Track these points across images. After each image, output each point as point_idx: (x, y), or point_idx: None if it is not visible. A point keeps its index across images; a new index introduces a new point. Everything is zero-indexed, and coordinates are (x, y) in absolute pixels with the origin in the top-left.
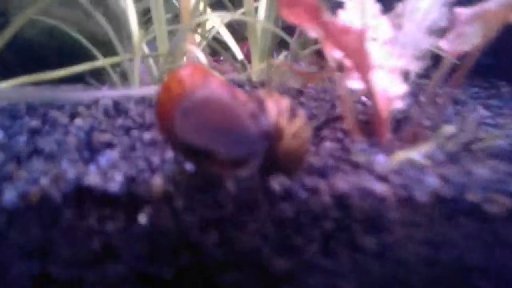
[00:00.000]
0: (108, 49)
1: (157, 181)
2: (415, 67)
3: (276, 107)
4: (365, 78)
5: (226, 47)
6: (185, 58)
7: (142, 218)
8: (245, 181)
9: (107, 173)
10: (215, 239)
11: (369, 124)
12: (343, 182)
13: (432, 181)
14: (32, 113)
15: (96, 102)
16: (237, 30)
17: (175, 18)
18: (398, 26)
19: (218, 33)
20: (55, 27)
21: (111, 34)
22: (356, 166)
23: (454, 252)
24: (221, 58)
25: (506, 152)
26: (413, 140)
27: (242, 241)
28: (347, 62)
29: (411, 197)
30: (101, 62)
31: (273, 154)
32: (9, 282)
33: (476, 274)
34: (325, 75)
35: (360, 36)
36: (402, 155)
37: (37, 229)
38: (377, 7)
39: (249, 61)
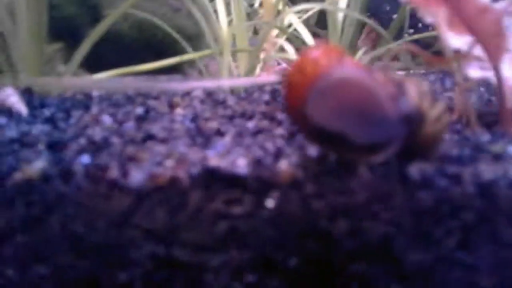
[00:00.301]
0: (195, 43)
1: (284, 165)
2: None
3: (417, 90)
4: (495, 64)
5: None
6: (262, 55)
7: (270, 203)
8: (381, 167)
9: (228, 157)
10: (345, 228)
11: (484, 116)
12: (487, 171)
13: None
14: (132, 102)
15: (188, 93)
16: (312, 25)
17: (248, 13)
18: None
19: (295, 30)
20: (145, 20)
21: (202, 27)
22: (495, 155)
23: None
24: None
25: None
26: None
27: (375, 231)
28: (475, 48)
29: None
30: (191, 55)
31: (413, 139)
32: (131, 262)
33: None
34: (449, 61)
35: (499, 16)
36: None
37: (164, 211)
38: None
39: None
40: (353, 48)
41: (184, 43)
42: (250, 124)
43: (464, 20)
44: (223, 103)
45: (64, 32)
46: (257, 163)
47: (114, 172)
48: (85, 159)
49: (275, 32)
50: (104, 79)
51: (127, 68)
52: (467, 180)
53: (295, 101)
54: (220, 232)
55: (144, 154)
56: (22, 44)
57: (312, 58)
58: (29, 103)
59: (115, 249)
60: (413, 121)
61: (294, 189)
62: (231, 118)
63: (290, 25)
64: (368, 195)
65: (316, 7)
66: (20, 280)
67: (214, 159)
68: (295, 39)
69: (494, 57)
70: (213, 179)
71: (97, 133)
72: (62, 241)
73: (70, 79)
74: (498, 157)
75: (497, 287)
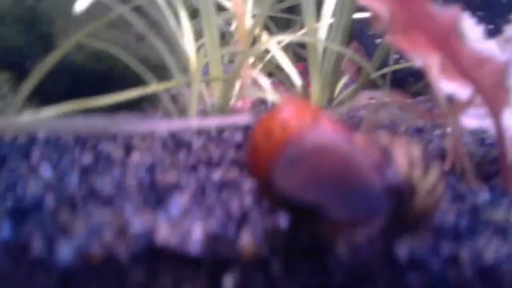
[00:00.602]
0: (161, 74)
1: (246, 240)
2: None
3: (406, 156)
4: (496, 116)
5: (281, 70)
6: (238, 84)
7: (227, 284)
8: (363, 245)
9: (181, 226)
10: None
11: (480, 168)
12: (489, 249)
13: None
14: (81, 146)
15: (151, 132)
16: (296, 52)
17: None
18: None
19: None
20: (103, 50)
21: (166, 57)
22: (496, 226)
23: None
24: (277, 80)
25: None
26: None
27: None
28: (473, 97)
29: None
30: (155, 87)
31: (401, 214)
32: None
33: None
34: (440, 114)
35: (502, 68)
36: None
37: None
38: (478, 30)
39: (308, 84)
40: (335, 75)
41: (147, 75)
42: (216, 176)
43: (461, 70)
44: (187, 146)
45: (10, 63)
46: (213, 237)
47: (38, 248)
48: (6, 230)
49: (251, 59)
50: (51, 119)
51: (80, 102)
52: (465, 262)
53: (261, 167)
54: None
55: (79, 221)
56: None
57: (280, 120)
58: None
59: None
60: (401, 194)
61: (256, 269)
62: (194, 167)
63: (267, 52)
64: (346, 279)
65: (293, 38)
66: None
67: (164, 230)
68: (273, 67)
69: (494, 110)
70: (160, 258)
71: (29, 191)
72: None
73: (7, 119)
74: (501, 229)
75: None
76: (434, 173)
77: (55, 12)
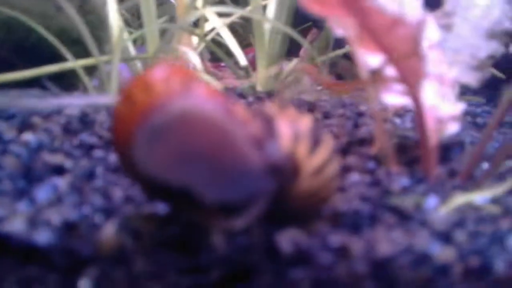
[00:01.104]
0: (83, 49)
1: (108, 231)
2: (471, 78)
3: (291, 130)
4: (413, 91)
5: (228, 53)
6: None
7: (84, 285)
8: (241, 237)
9: (40, 215)
10: None
11: (406, 150)
12: (385, 241)
13: None
14: None
15: (59, 112)
16: (241, 34)
17: (172, 20)
18: (447, 27)
19: (219, 36)
20: (14, 19)
21: (84, 31)
22: (401, 214)
23: None
24: (222, 64)
25: None
26: (468, 175)
27: None
28: (390, 69)
29: (488, 267)
30: (72, 64)
31: (283, 198)
32: None
33: None
34: (357, 85)
35: (415, 32)
36: (462, 198)
37: None
38: (418, 2)
39: (254, 69)
40: (281, 57)
41: (64, 49)
42: (114, 157)
43: (374, 36)
44: (92, 126)
45: None
46: (70, 227)
47: None
48: None
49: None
50: None
51: None
52: (357, 256)
53: (123, 142)
54: None
55: None
56: None
57: (144, 82)
58: None
59: None
60: (282, 174)
61: (118, 266)
62: (90, 148)
63: (212, 29)
64: (222, 275)
65: (237, 12)
66: None
67: (17, 219)
68: (215, 47)
69: (410, 82)
70: (4, 251)
71: None
72: None
73: None
74: (406, 217)
75: None
76: (324, 150)
77: None
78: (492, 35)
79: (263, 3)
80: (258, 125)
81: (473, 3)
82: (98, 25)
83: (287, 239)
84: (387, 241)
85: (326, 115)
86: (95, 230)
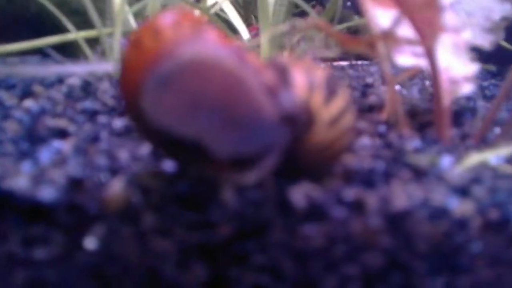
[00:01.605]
0: (84, 20)
1: (116, 187)
2: (485, 41)
3: (306, 79)
4: (428, 46)
5: (232, 29)
6: None
7: (90, 243)
8: (253, 191)
9: (44, 174)
10: (201, 278)
11: (415, 117)
12: (401, 196)
13: None
14: None
15: (61, 81)
16: (243, 15)
17: None
18: None
19: (223, 11)
20: None
21: (86, 1)
22: (417, 171)
23: None
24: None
25: None
26: (482, 138)
27: (242, 282)
28: (403, 28)
29: (504, 220)
30: (73, 35)
31: (298, 150)
32: None
33: None
34: (368, 43)
35: None
36: (476, 157)
37: None
38: None
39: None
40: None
41: (66, 20)
42: (119, 123)
43: None
44: (95, 93)
45: None
46: (76, 183)
47: None
48: None
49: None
50: None
51: None
52: (372, 210)
53: (131, 92)
54: (17, 285)
55: None
56: None
57: (153, 28)
58: None
59: None
60: (297, 124)
61: (125, 222)
62: (93, 114)
63: (215, 4)
64: (233, 231)
65: None
66: None
67: (21, 177)
68: (218, 21)
69: (426, 37)
70: (8, 208)
71: None
72: None
73: None
74: (421, 174)
75: None
76: (339, 100)
77: None
78: None
79: None
80: (272, 74)
81: None
82: None
83: (301, 194)
84: (403, 195)
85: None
86: (101, 187)
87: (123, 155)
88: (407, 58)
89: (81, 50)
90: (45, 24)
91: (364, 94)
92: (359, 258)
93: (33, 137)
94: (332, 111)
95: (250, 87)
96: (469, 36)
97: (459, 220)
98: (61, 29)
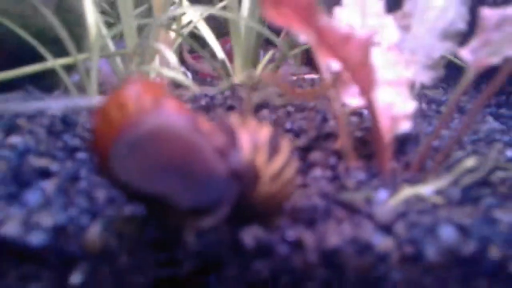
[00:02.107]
0: (63, 48)
1: (93, 232)
2: (425, 77)
3: (251, 140)
4: (366, 95)
5: (206, 44)
6: (157, 58)
7: (75, 278)
8: (210, 234)
9: (32, 218)
10: None
11: (367, 143)
12: (334, 234)
13: (447, 233)
14: None
15: (41, 113)
16: (219, 26)
17: (150, 11)
18: (406, 28)
19: (197, 28)
20: None
21: (61, 30)
22: (352, 209)
23: None
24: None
25: None
26: (420, 168)
27: None
28: (346, 75)
29: (420, 254)
30: (51, 63)
31: (246, 200)
32: None
33: None
34: (318, 92)
35: (364, 45)
36: (409, 191)
37: None
38: (380, 4)
39: (231, 61)
40: (257, 48)
41: (43, 49)
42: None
43: (330, 48)
44: (74, 128)
45: None
46: (60, 229)
47: None
48: None
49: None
50: None
51: None
52: (310, 247)
53: (102, 154)
54: None
55: None
56: None
57: (118, 100)
58: None
59: None
60: (244, 179)
61: (105, 262)
62: (73, 151)
63: (190, 22)
64: (196, 267)
65: (213, 11)
66: None
67: (11, 222)
68: (192, 42)
69: (363, 89)
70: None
71: None
72: None
73: None
74: (354, 210)
75: None
76: (281, 157)
77: None
78: (446, 35)
79: None
80: (222, 137)
81: (429, 5)
82: (77, 23)
83: (250, 235)
84: (335, 233)
85: (299, 108)
86: (81, 231)
87: (100, 195)
88: (354, 98)
89: (60, 79)
90: (26, 55)
91: (324, 119)
92: (301, 287)
93: (19, 178)
94: (274, 167)
95: (203, 150)
96: (411, 73)
97: (381, 254)
98: (42, 59)
